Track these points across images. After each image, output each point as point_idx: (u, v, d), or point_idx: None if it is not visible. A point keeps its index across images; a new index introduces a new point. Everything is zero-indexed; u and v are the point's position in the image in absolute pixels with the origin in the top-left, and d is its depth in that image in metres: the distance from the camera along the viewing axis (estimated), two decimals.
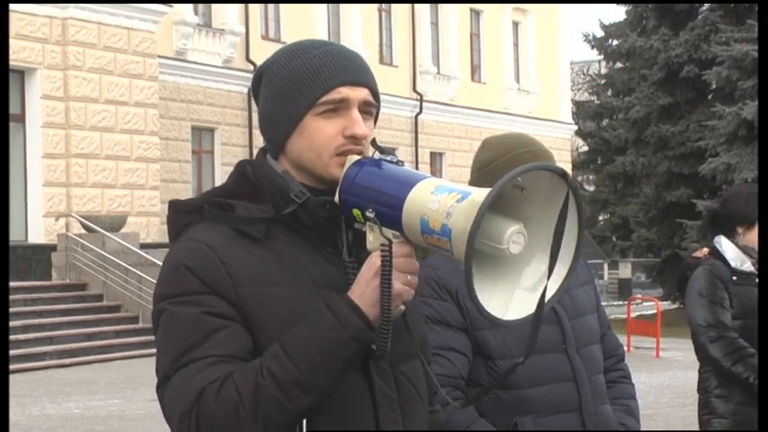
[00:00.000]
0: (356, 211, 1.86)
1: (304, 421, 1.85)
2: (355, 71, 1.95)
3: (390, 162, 1.88)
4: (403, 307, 1.84)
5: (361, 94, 1.94)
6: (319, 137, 1.92)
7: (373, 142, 1.93)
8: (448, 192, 1.75)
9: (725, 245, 4.26)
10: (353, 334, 1.79)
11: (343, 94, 1.93)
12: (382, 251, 1.80)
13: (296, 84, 1.94)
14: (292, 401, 1.77)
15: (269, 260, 1.89)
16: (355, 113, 1.93)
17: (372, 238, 1.85)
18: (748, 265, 4.19)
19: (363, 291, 1.81)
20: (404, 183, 1.80)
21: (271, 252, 1.90)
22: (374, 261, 1.82)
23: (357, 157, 1.91)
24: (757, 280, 4.14)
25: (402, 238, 1.82)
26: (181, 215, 1.99)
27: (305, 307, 1.86)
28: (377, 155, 1.91)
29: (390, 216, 1.80)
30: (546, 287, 1.77)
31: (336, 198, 1.90)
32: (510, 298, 1.77)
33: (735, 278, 4.19)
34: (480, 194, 1.71)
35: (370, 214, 1.83)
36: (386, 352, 1.84)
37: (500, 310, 1.75)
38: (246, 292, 1.86)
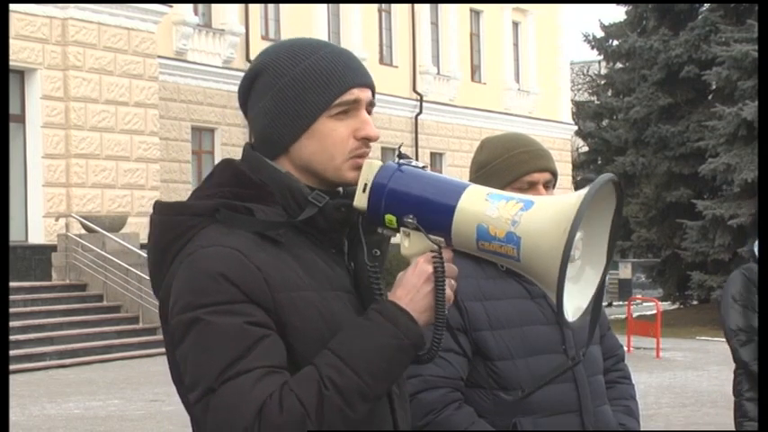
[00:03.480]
0: (389, 217, 1.85)
1: None
2: (362, 72, 1.96)
3: (416, 167, 1.88)
4: (446, 312, 1.86)
5: (368, 95, 1.95)
6: (333, 139, 1.91)
7: (399, 150, 1.93)
8: (506, 200, 1.78)
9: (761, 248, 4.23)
10: (414, 341, 1.80)
11: (356, 95, 1.92)
12: (434, 257, 1.81)
13: (309, 85, 1.91)
14: (355, 411, 1.77)
15: (292, 264, 1.87)
16: (365, 115, 1.94)
17: (409, 244, 1.85)
18: None
19: (413, 297, 1.82)
20: (450, 189, 1.82)
21: (291, 256, 1.88)
22: (423, 267, 1.83)
23: (380, 163, 1.89)
24: None
25: (444, 244, 1.83)
26: (184, 218, 1.90)
27: (331, 310, 1.86)
28: (401, 160, 1.90)
29: (437, 222, 1.81)
30: (601, 289, 1.83)
31: (363, 203, 1.88)
32: (567, 300, 1.80)
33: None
34: (546, 204, 1.76)
35: (411, 220, 1.82)
36: (435, 357, 1.86)
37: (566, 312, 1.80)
38: (282, 297, 1.83)
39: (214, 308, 1.79)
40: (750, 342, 4.14)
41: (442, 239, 1.82)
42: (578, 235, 1.75)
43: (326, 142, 1.91)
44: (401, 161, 1.89)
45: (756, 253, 4.23)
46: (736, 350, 4.20)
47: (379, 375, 1.78)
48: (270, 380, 1.76)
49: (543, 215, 1.74)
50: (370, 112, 1.97)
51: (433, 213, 1.81)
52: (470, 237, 1.78)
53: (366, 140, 1.92)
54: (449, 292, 1.83)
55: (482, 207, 1.77)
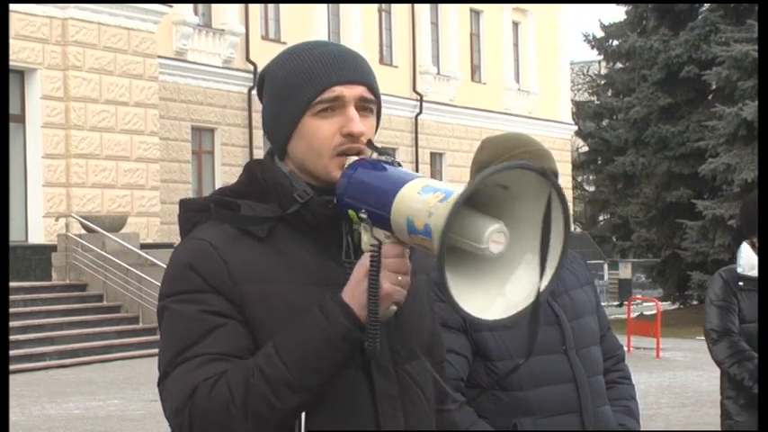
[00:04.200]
0: (351, 213, 1.87)
1: (302, 421, 1.86)
2: (349, 69, 1.96)
3: (386, 163, 1.88)
4: (394, 307, 1.84)
5: (357, 91, 1.95)
6: (318, 137, 1.93)
7: (369, 143, 1.93)
8: (433, 191, 1.74)
9: (743, 250, 4.30)
10: (342, 335, 1.80)
11: (338, 92, 1.93)
12: (371, 252, 1.81)
13: (292, 85, 1.95)
14: (281, 400, 1.79)
15: (272, 259, 1.91)
16: (351, 111, 1.94)
17: (366, 239, 1.86)
18: (757, 271, 4.21)
19: (354, 291, 1.82)
20: (393, 183, 1.80)
21: (274, 251, 1.92)
22: (364, 261, 1.83)
23: (354, 159, 1.91)
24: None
25: (393, 239, 1.81)
26: (190, 214, 2.01)
27: (306, 306, 1.87)
28: (374, 156, 1.91)
29: (381, 217, 1.80)
30: (539, 288, 1.75)
31: (335, 200, 1.92)
32: (496, 296, 1.76)
33: (741, 283, 4.23)
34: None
35: (362, 215, 1.84)
36: (375, 352, 1.83)
37: (483, 307, 1.74)
38: (246, 290, 1.88)
39: (178, 296, 1.89)
40: (720, 341, 4.23)
41: (390, 234, 1.81)
42: (495, 227, 1.71)
43: (312, 141, 1.94)
44: (377, 157, 1.89)
45: (738, 255, 4.29)
46: (710, 349, 4.28)
47: (306, 367, 1.79)
48: (211, 366, 1.82)
49: (449, 204, 1.70)
50: (369, 109, 1.97)
51: (378, 208, 1.81)
52: (404, 230, 1.77)
53: (351, 136, 1.92)
54: (389, 287, 1.80)
55: (412, 200, 1.75)
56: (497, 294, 1.76)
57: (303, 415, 1.87)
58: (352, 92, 1.94)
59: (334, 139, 1.93)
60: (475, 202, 1.75)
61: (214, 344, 1.85)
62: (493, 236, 1.72)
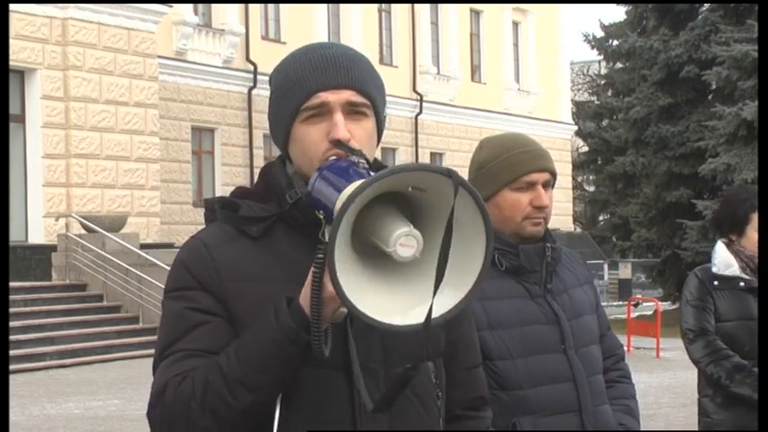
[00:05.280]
0: (317, 213, 1.87)
1: (275, 420, 1.87)
2: (335, 74, 1.97)
3: (353, 163, 1.87)
4: (344, 310, 1.79)
5: (343, 96, 1.96)
6: (307, 143, 1.97)
7: (338, 142, 1.93)
8: None
9: (718, 249, 4.31)
10: (287, 335, 1.80)
11: (323, 98, 1.95)
12: (316, 252, 1.78)
13: (282, 93, 2.00)
14: (236, 398, 1.82)
15: (264, 258, 1.95)
16: (337, 117, 1.95)
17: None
18: (733, 270, 4.22)
19: (305, 292, 1.81)
20: (342, 184, 1.79)
21: (268, 250, 1.95)
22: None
23: (333, 159, 1.92)
24: (741, 284, 4.21)
25: None
26: (208, 212, 2.06)
27: None
28: (350, 156, 1.91)
29: (330, 219, 1.78)
30: (433, 298, 1.69)
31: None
32: (416, 302, 1.72)
33: (716, 282, 4.25)
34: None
35: (320, 215, 1.84)
36: (321, 353, 1.80)
37: (388, 311, 1.70)
38: (231, 287, 1.92)
39: (173, 293, 1.97)
40: (696, 341, 4.25)
41: None
42: (403, 230, 1.67)
43: (304, 147, 1.97)
44: (346, 157, 1.89)
45: (713, 255, 4.30)
46: (687, 348, 4.30)
47: (257, 367, 1.81)
48: (186, 362, 1.88)
49: (342, 198, 1.68)
50: (360, 112, 1.97)
51: (328, 209, 1.80)
52: None
53: (336, 142, 1.93)
54: (332, 290, 1.74)
55: None
56: (417, 301, 1.72)
57: (277, 413, 1.87)
58: (338, 97, 1.95)
59: (321, 145, 1.95)
60: (403, 205, 1.73)
61: (193, 341, 1.90)
62: (400, 239, 1.67)
